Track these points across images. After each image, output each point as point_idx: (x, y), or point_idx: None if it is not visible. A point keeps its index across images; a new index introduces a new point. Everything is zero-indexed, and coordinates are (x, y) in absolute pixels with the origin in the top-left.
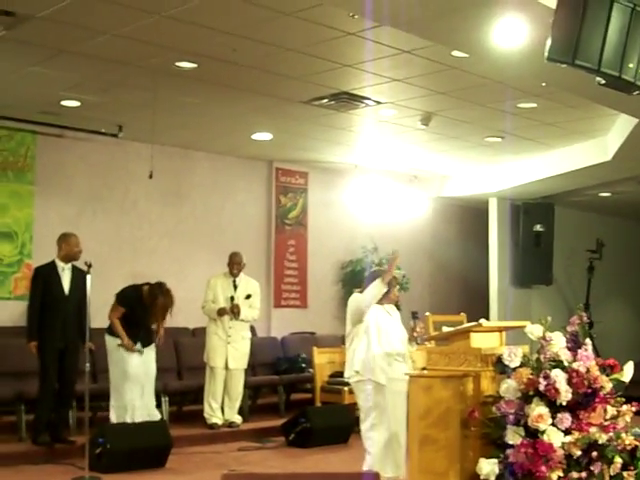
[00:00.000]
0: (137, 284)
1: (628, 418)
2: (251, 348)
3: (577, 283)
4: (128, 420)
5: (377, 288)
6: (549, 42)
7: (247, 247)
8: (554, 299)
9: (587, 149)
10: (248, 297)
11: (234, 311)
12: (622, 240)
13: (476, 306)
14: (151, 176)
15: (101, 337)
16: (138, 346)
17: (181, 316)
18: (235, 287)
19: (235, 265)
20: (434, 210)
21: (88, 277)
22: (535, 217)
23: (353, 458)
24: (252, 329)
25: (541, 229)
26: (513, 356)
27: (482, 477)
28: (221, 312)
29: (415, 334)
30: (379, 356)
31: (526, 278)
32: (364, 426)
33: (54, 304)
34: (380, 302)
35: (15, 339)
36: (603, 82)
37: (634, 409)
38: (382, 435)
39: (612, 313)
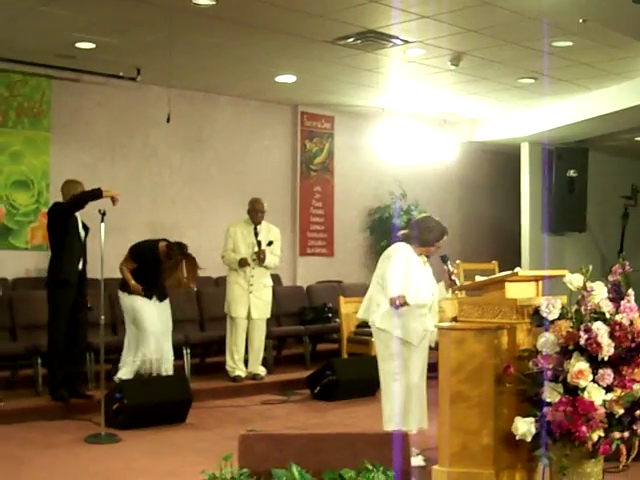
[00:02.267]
0: (153, 239)
1: None
2: (276, 297)
3: (611, 230)
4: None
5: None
6: None
7: (271, 194)
8: (588, 247)
9: (624, 91)
10: (270, 244)
11: (260, 257)
12: None
13: (507, 254)
14: (169, 120)
15: (115, 288)
16: (153, 300)
17: (203, 265)
18: (256, 234)
19: (258, 213)
20: (464, 155)
21: (102, 226)
22: (568, 162)
23: (380, 411)
24: (277, 278)
25: (574, 175)
26: (551, 307)
27: (518, 437)
28: (242, 263)
29: (453, 277)
30: (411, 312)
31: (559, 225)
32: (383, 376)
33: (72, 251)
34: (417, 248)
35: (31, 291)
36: None
37: None
38: (403, 386)
39: None
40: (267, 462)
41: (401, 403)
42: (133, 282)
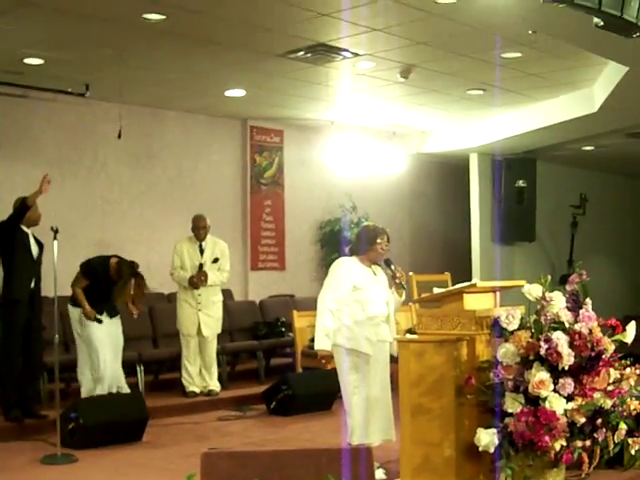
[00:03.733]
0: (104, 255)
1: (632, 382)
2: (228, 312)
3: (560, 239)
4: (99, 392)
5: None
6: None
7: (222, 209)
8: (537, 256)
9: (572, 101)
10: (215, 261)
11: (201, 279)
12: (606, 195)
13: (458, 265)
14: (120, 136)
15: (67, 306)
16: (103, 316)
17: (155, 282)
18: (202, 251)
19: (200, 230)
20: (414, 167)
21: (54, 243)
22: (517, 172)
23: (337, 425)
24: (229, 293)
25: (523, 185)
26: (511, 318)
27: (481, 448)
28: (191, 282)
29: (397, 280)
30: (363, 324)
31: (509, 235)
32: (344, 390)
33: (23, 270)
34: (364, 259)
35: None
36: (601, 24)
37: (639, 372)
38: (363, 399)
39: (596, 269)
40: None
41: (362, 416)
42: (88, 308)
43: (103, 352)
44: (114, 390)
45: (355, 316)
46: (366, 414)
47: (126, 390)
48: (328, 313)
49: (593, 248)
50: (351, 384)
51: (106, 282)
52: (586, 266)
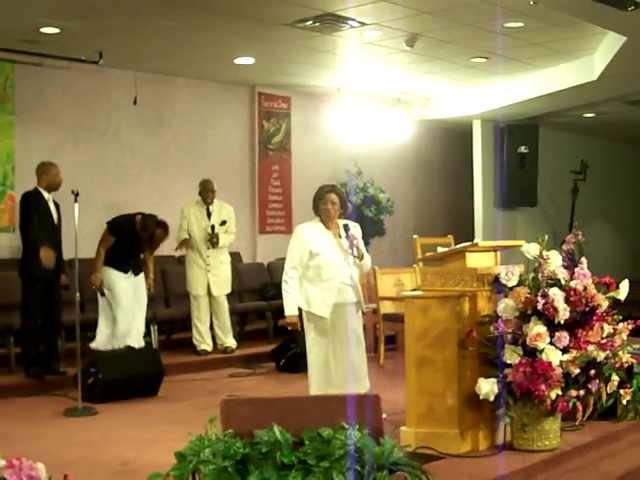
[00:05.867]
0: (129, 214)
1: (624, 336)
2: (237, 274)
3: (561, 205)
4: (111, 347)
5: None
6: None
7: (231, 174)
8: (539, 221)
9: (573, 69)
10: (223, 223)
11: (213, 241)
12: (606, 161)
13: (461, 229)
14: (135, 102)
15: (87, 267)
16: (129, 274)
17: (166, 244)
18: (209, 215)
19: (209, 192)
20: (418, 133)
21: (75, 206)
22: (519, 138)
23: None
24: (238, 255)
25: (525, 150)
26: (510, 275)
27: (481, 397)
28: (184, 243)
29: (353, 247)
30: (320, 288)
31: (511, 200)
32: (307, 347)
33: (45, 234)
34: (327, 223)
35: (2, 271)
36: None
37: (630, 327)
38: (319, 357)
39: (596, 234)
40: (249, 424)
41: (319, 371)
42: (97, 274)
43: (125, 310)
44: (134, 345)
45: (312, 281)
46: (323, 370)
47: (141, 344)
48: (290, 281)
49: (593, 213)
50: (309, 342)
51: (132, 238)
52: (586, 231)
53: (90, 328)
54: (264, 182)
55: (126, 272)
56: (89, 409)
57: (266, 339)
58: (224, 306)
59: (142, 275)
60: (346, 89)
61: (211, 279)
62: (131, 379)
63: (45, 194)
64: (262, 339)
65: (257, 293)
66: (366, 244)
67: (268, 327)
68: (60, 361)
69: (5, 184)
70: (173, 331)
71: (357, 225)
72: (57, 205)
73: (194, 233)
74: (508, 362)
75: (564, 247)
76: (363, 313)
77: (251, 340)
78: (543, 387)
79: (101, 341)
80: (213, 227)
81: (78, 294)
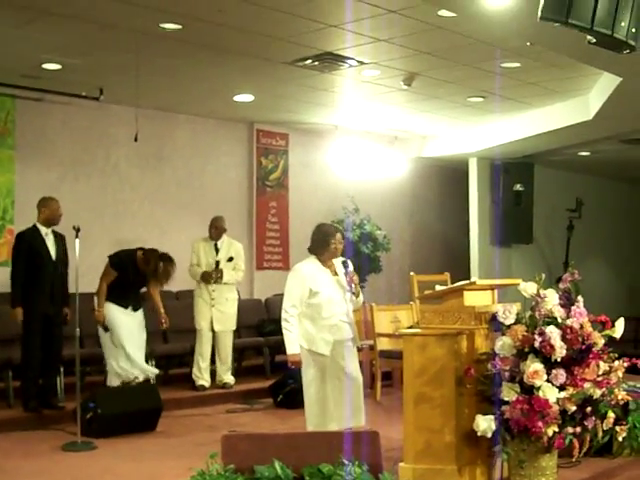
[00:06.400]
0: (130, 248)
1: (620, 373)
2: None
3: (557, 242)
4: (130, 377)
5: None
6: (542, 1)
7: (229, 210)
8: (534, 257)
9: (568, 108)
10: (230, 260)
11: (214, 276)
12: (601, 199)
13: (457, 266)
14: (136, 139)
15: (87, 302)
16: (129, 310)
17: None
18: (217, 250)
19: (213, 229)
20: (414, 170)
21: (76, 241)
22: (515, 176)
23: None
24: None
25: (521, 188)
26: (508, 313)
27: (479, 433)
28: (204, 277)
29: (352, 284)
30: (319, 326)
31: (506, 237)
32: (304, 384)
33: (41, 269)
34: (322, 258)
35: (2, 305)
36: (594, 41)
37: (625, 364)
38: (317, 392)
39: (591, 271)
40: (250, 459)
41: (317, 407)
42: (101, 310)
43: (128, 340)
44: (141, 378)
45: (312, 319)
46: (321, 406)
47: (154, 372)
48: (291, 319)
49: (589, 251)
50: (308, 378)
51: (134, 273)
52: (582, 268)
53: (90, 363)
54: (262, 218)
55: (126, 307)
56: (88, 444)
57: (263, 375)
58: (225, 342)
59: (141, 311)
60: (344, 127)
61: (215, 314)
62: (130, 414)
63: (43, 229)
64: (259, 375)
65: (254, 329)
66: (362, 281)
67: (265, 363)
68: (58, 395)
69: (5, 218)
70: (170, 366)
71: (350, 262)
72: (62, 237)
73: (201, 268)
74: (505, 399)
75: (560, 285)
76: (358, 349)
77: (248, 376)
78: (540, 424)
79: (114, 375)
80: (218, 263)
81: (78, 329)
